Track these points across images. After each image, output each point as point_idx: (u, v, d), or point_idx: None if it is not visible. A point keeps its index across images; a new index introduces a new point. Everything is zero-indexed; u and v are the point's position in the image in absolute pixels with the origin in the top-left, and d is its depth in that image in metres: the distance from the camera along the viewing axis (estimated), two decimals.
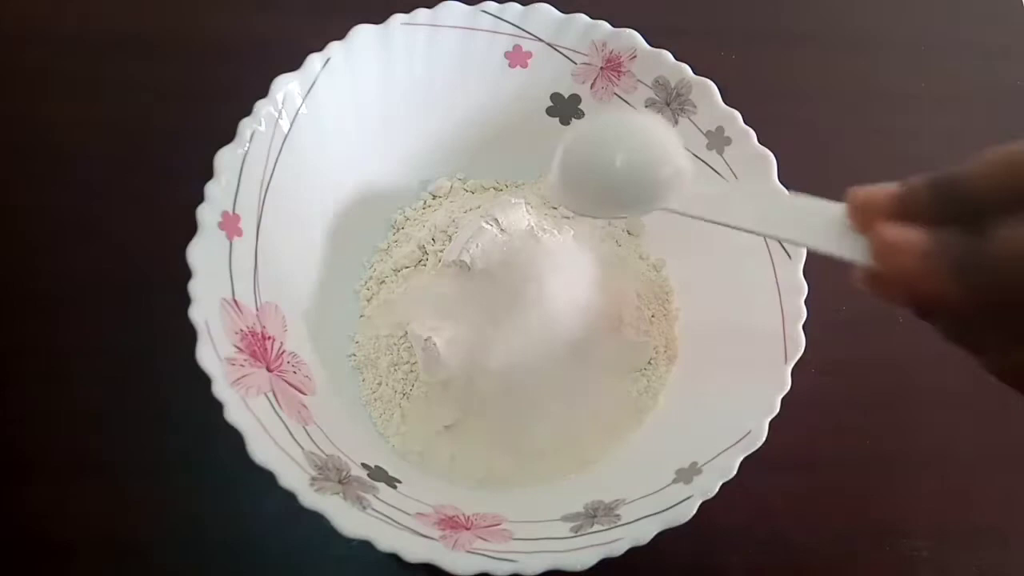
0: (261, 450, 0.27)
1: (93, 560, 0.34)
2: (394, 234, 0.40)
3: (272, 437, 0.28)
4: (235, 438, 0.27)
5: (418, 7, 0.37)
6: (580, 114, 0.40)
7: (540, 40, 0.38)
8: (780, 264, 0.34)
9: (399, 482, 0.32)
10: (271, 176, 0.34)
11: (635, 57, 0.37)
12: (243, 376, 0.29)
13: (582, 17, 0.37)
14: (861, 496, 0.38)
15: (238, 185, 0.32)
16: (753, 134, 0.35)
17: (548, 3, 0.38)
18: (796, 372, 0.31)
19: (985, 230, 0.19)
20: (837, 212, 0.23)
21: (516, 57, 0.38)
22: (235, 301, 0.31)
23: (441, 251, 0.38)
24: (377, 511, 0.29)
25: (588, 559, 0.27)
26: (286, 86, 0.34)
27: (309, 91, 0.35)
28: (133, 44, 0.46)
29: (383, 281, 0.38)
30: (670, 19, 0.45)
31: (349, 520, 0.27)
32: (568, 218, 0.40)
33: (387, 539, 0.27)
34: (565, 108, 0.40)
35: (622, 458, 0.35)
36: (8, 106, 0.44)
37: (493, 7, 0.37)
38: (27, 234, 0.41)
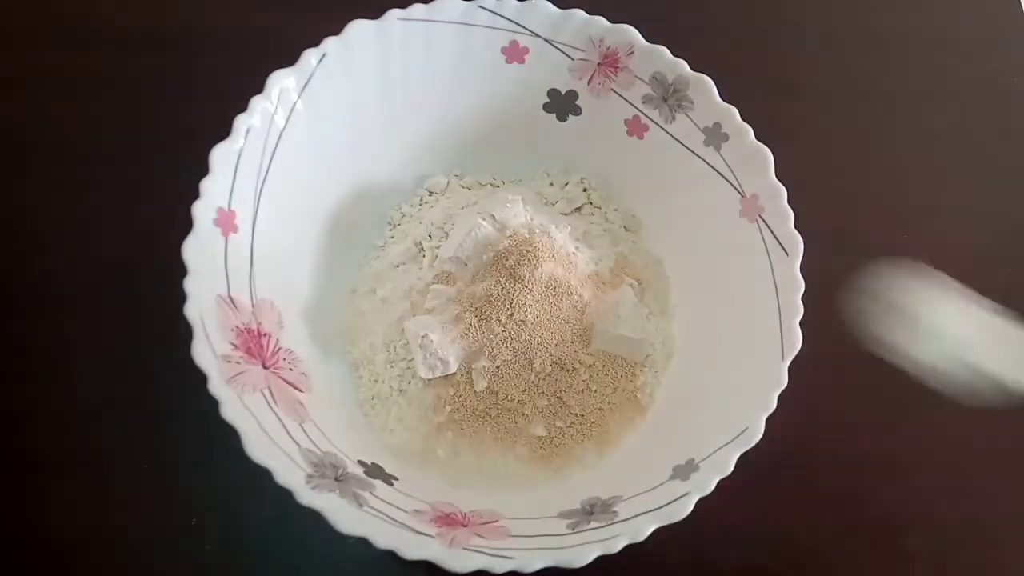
0: (257, 448, 0.27)
1: (90, 558, 0.34)
2: (390, 231, 0.40)
3: (268, 434, 0.28)
4: (231, 435, 0.27)
5: (415, 2, 0.36)
6: (577, 110, 0.40)
7: (537, 36, 0.38)
8: (777, 260, 0.34)
9: (396, 479, 0.32)
10: (267, 172, 0.34)
11: (632, 53, 0.37)
12: (239, 373, 0.29)
13: (579, 13, 0.37)
14: (858, 493, 0.38)
15: (233, 181, 0.32)
16: (750, 130, 0.35)
17: None
18: (793, 369, 0.31)
19: None
20: None
21: (513, 53, 0.38)
22: (230, 298, 0.31)
23: (437, 248, 0.37)
24: (374, 508, 0.29)
25: (585, 556, 0.27)
26: (282, 82, 0.34)
27: (305, 87, 0.35)
28: (128, 40, 0.45)
29: (379, 278, 0.38)
30: (667, 15, 0.45)
31: (346, 518, 0.27)
32: (565, 214, 0.40)
33: (384, 537, 0.27)
34: (562, 104, 0.40)
35: (619, 455, 0.35)
36: (4, 104, 0.43)
37: (490, 3, 0.37)
38: (22, 232, 0.40)
